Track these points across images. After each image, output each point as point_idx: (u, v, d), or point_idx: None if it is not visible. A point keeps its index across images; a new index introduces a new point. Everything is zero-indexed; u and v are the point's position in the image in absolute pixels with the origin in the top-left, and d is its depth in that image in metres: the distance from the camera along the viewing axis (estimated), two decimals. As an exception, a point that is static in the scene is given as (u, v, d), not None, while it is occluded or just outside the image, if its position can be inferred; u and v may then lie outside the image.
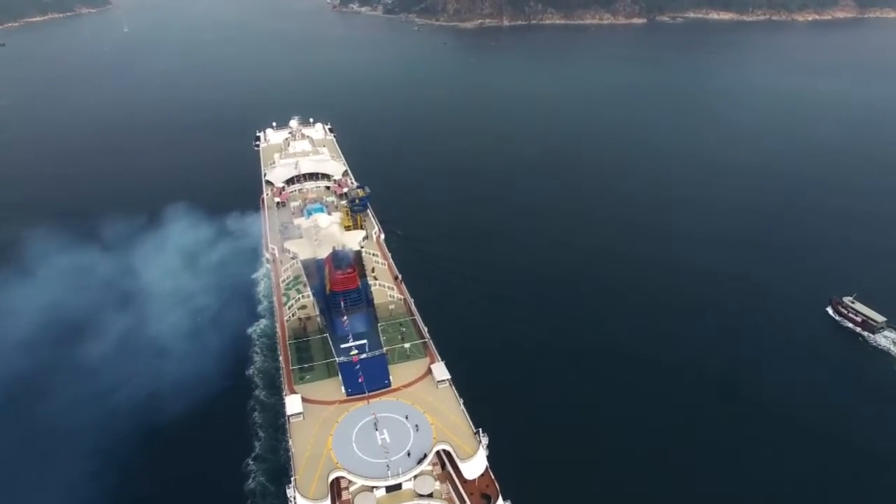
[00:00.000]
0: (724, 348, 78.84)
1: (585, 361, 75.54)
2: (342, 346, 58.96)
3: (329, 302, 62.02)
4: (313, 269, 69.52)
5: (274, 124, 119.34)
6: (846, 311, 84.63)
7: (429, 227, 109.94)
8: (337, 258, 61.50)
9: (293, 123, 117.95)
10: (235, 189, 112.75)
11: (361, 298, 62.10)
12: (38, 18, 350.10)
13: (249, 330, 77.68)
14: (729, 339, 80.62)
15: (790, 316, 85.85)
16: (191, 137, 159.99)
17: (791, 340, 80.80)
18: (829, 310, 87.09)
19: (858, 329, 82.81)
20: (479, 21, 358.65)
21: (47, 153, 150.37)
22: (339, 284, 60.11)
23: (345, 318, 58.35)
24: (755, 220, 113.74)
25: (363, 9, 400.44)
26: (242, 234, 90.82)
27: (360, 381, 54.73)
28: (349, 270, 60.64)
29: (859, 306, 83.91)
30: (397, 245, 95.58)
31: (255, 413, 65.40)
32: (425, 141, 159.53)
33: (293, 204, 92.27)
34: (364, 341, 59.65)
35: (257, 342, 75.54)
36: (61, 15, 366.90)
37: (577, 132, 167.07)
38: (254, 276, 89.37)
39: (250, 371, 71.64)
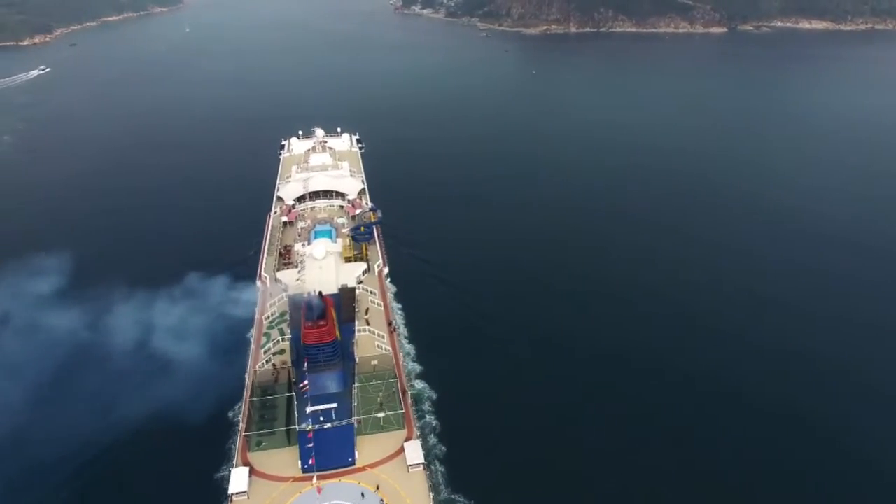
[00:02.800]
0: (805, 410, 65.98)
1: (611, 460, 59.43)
2: (308, 409, 50.67)
3: (301, 354, 53.92)
4: (298, 309, 61.69)
5: (300, 132, 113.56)
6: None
7: (454, 261, 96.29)
8: (308, 306, 53.20)
9: (319, 133, 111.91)
10: (253, 208, 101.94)
11: (337, 353, 53.47)
12: (114, 18, 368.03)
13: (231, 413, 60.70)
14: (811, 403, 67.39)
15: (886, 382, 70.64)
16: (222, 147, 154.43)
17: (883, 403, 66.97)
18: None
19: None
20: (545, 27, 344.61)
21: (76, 160, 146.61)
22: (308, 338, 51.79)
23: (305, 383, 49.79)
24: (849, 264, 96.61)
25: (425, 11, 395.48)
26: (247, 272, 79.08)
27: (311, 462, 46.10)
28: (321, 323, 52.05)
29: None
30: (413, 276, 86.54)
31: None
32: (466, 159, 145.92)
33: (301, 224, 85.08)
34: (333, 405, 50.89)
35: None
36: (135, 14, 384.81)
37: (646, 160, 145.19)
38: (249, 335, 68.80)
39: (224, 471, 53.36)
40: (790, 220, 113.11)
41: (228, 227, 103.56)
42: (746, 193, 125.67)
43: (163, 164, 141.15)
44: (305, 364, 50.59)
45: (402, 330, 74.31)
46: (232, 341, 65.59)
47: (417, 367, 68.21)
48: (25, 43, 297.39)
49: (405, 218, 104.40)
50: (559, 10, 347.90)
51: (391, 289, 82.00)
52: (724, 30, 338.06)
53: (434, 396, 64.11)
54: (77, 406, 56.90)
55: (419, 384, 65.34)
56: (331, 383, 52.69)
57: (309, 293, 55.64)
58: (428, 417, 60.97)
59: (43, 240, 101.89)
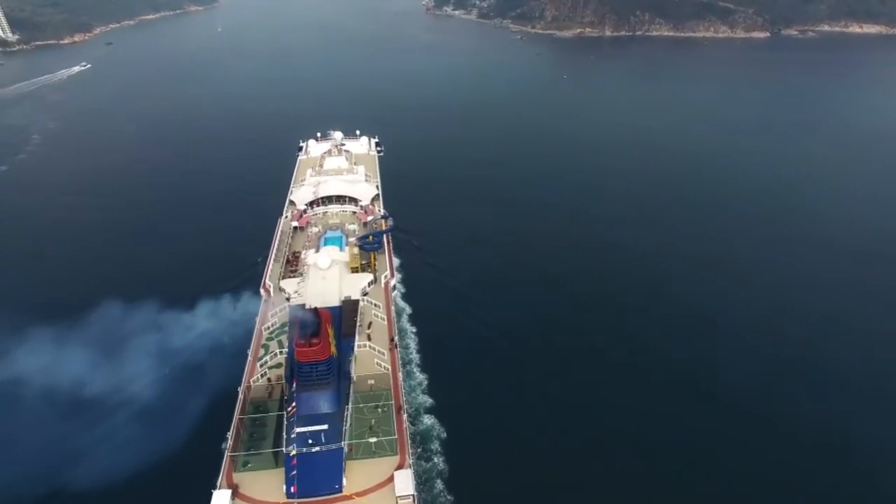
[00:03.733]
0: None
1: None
2: (297, 430, 48.35)
3: (292, 371, 51.58)
4: (296, 321, 59.42)
5: (318, 135, 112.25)
6: None
7: (479, 275, 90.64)
8: (301, 323, 50.76)
9: (337, 135, 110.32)
10: (268, 210, 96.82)
11: (331, 371, 50.94)
12: (151, 16, 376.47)
13: (222, 446, 51.40)
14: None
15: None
16: (243, 148, 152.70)
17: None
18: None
19: None
20: (579, 30, 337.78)
21: (99, 159, 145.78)
22: (300, 355, 49.39)
23: (293, 405, 47.44)
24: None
25: (457, 12, 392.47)
26: (255, 279, 75.62)
27: (293, 490, 43.68)
28: (314, 341, 49.51)
29: None
30: (430, 292, 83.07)
31: None
32: (490, 165, 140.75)
33: (312, 230, 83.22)
34: (324, 427, 48.47)
35: None
36: (172, 13, 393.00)
37: (679, 168, 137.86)
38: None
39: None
40: (842, 235, 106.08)
41: (243, 230, 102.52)
42: (789, 205, 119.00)
43: (182, 164, 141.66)
44: (294, 385, 48.25)
45: (415, 356, 70.54)
46: (233, 352, 63.65)
47: (428, 401, 63.45)
48: (66, 41, 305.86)
49: (425, 226, 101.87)
50: (594, 13, 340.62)
51: (406, 308, 79.34)
52: (767, 34, 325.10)
53: (444, 435, 59.05)
54: (59, 415, 55.68)
55: (428, 420, 60.79)
56: (323, 403, 50.14)
57: (303, 307, 53.26)
58: (436, 459, 56.44)
59: (56, 241, 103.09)
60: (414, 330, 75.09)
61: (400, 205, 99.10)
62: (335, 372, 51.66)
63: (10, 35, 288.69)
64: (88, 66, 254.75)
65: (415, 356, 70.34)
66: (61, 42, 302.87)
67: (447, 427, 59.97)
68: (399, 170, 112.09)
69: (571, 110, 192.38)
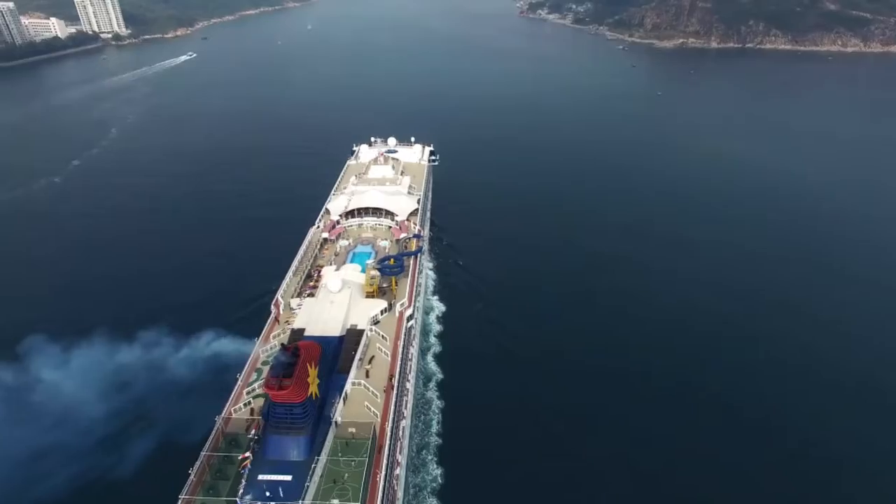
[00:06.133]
0: None
1: None
2: (259, 476, 43.30)
3: (268, 409, 46.57)
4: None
5: (371, 139, 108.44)
6: None
7: (533, 315, 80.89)
8: (274, 362, 45.44)
9: (390, 141, 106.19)
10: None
11: (308, 414, 45.35)
12: (251, 12, 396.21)
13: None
14: None
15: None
16: (307, 150, 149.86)
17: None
18: None
19: None
20: (681, 40, 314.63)
21: (164, 155, 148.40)
22: (272, 396, 44.21)
23: (247, 455, 42.27)
24: None
25: (551, 16, 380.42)
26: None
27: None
28: (286, 382, 44.00)
29: None
30: (469, 340, 75.06)
31: None
32: (559, 186, 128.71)
33: (341, 243, 78.69)
34: (288, 477, 42.99)
35: None
36: (271, 9, 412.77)
37: (782, 209, 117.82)
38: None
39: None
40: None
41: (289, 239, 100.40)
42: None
43: (241, 165, 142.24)
44: (255, 428, 43.13)
45: (433, 440, 59.93)
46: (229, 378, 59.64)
47: None
48: (169, 35, 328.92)
49: (481, 250, 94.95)
50: (699, 22, 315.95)
51: (437, 373, 71.77)
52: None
53: None
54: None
55: None
56: (293, 450, 44.52)
57: (290, 338, 48.10)
58: None
59: (98, 247, 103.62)
60: (441, 405, 64.19)
61: (449, 220, 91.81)
62: (313, 415, 45.71)
63: (123, 30, 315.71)
64: (194, 55, 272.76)
65: (433, 439, 59.80)
66: (165, 36, 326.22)
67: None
68: (459, 181, 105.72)
69: (660, 131, 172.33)
